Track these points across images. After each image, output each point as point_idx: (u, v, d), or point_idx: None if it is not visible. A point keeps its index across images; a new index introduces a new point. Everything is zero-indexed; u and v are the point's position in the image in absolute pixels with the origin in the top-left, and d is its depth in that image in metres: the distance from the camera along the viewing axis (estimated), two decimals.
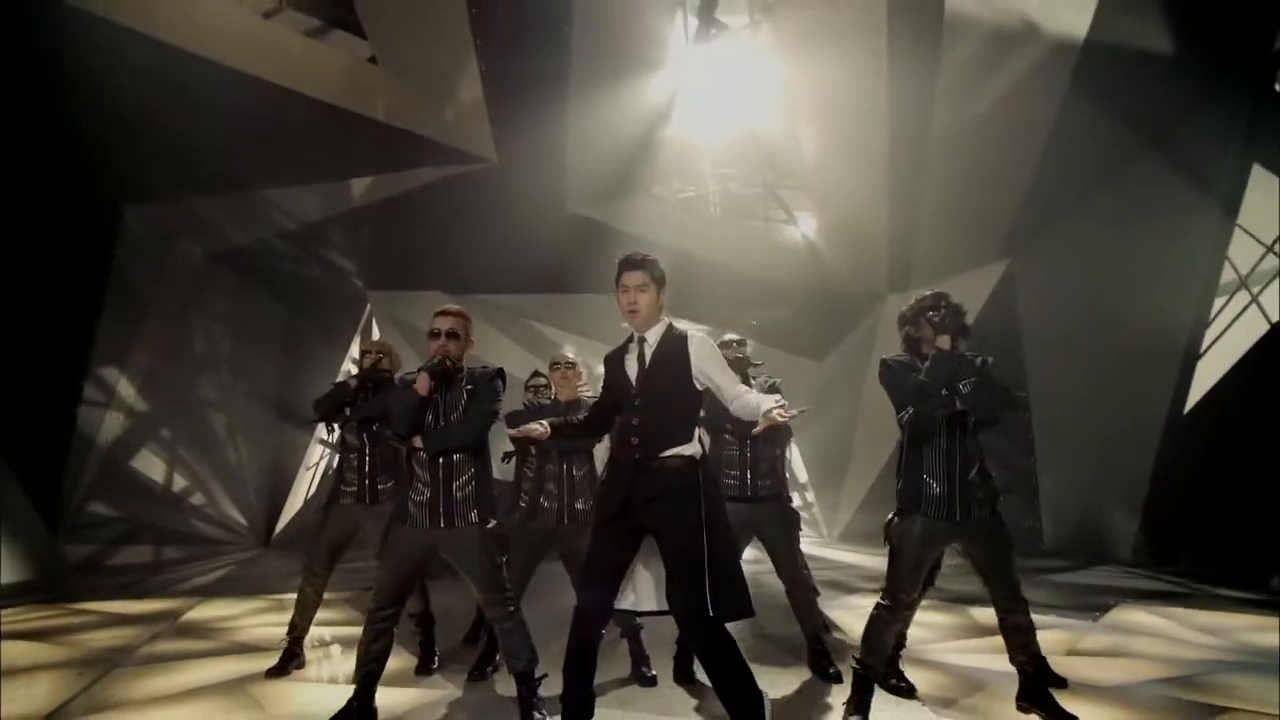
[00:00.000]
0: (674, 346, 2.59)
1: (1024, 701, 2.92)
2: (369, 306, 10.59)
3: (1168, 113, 6.48)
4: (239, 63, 6.06)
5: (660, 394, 2.54)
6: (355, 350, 11.53)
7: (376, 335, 11.34)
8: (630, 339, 2.68)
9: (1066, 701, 2.90)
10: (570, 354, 4.07)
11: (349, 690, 2.93)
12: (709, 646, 2.32)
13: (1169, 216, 6.89)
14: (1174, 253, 6.93)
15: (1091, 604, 5.12)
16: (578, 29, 6.43)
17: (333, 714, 2.87)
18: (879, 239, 8.25)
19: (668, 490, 2.44)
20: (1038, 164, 6.97)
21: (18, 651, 4.13)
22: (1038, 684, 2.90)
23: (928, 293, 3.05)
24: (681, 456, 2.49)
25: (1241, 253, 6.81)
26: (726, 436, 3.74)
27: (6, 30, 5.92)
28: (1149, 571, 6.61)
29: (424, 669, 3.73)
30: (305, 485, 10.94)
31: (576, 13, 6.42)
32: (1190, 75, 6.19)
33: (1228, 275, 6.90)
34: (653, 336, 2.63)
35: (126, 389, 8.26)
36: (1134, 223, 7.09)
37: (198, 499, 9.23)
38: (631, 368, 2.62)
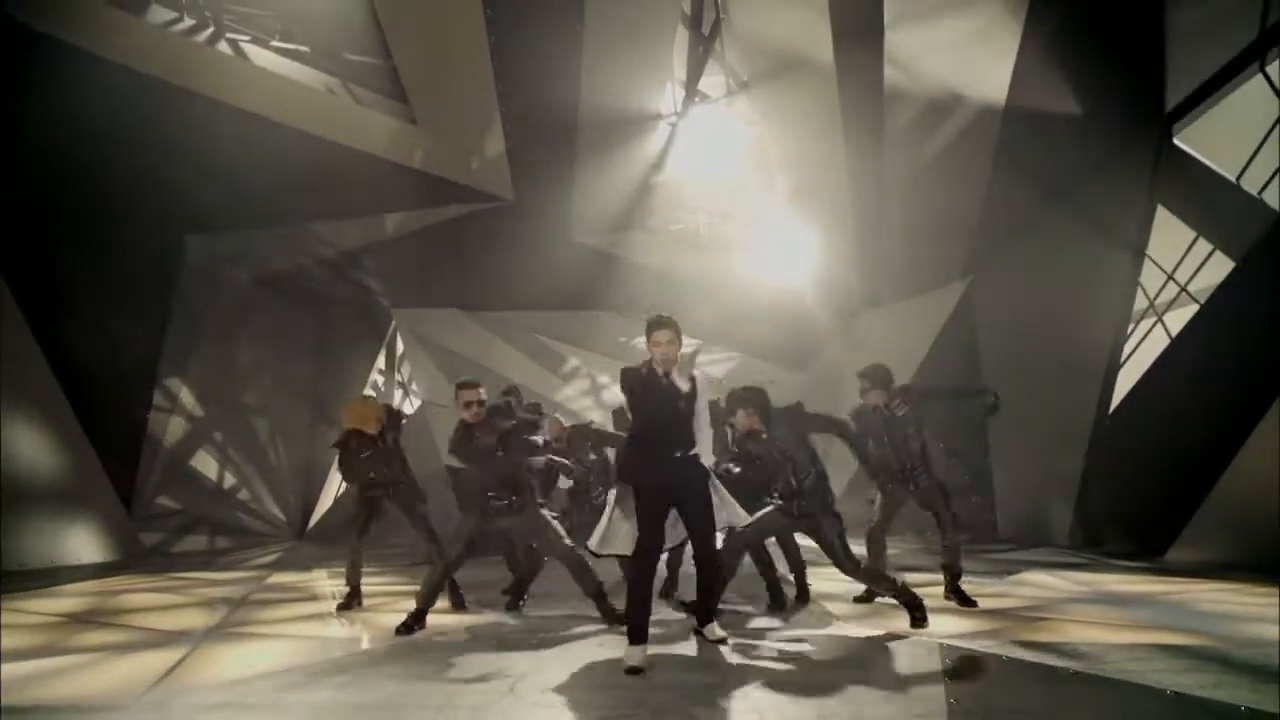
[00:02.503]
0: (691, 384, 3.66)
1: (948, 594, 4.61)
2: (394, 323, 11.69)
3: (1084, 164, 7.62)
4: (302, 124, 7.31)
5: (691, 413, 3.67)
6: (381, 362, 12.63)
7: (401, 349, 12.31)
8: (650, 368, 3.65)
9: (946, 618, 4.03)
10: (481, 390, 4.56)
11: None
12: (712, 566, 3.79)
13: (1092, 250, 7.94)
14: (1098, 281, 7.97)
15: (1008, 571, 6.21)
16: (585, 95, 7.65)
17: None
18: (849, 263, 9.36)
19: (697, 475, 3.68)
20: (981, 205, 8.09)
21: (151, 598, 5.26)
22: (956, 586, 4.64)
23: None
24: (698, 454, 3.71)
25: (1152, 280, 7.91)
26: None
27: (104, 99, 7.11)
28: (1076, 551, 7.64)
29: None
30: (335, 485, 12.02)
31: (584, 83, 7.64)
32: (1101, 133, 7.36)
33: (1141, 300, 7.99)
34: (675, 372, 3.65)
35: (187, 397, 9.41)
36: (1065, 255, 8.15)
37: (244, 495, 10.33)
38: (669, 392, 3.62)
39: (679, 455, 3.62)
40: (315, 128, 7.37)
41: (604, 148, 8.33)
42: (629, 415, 3.95)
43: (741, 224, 10.24)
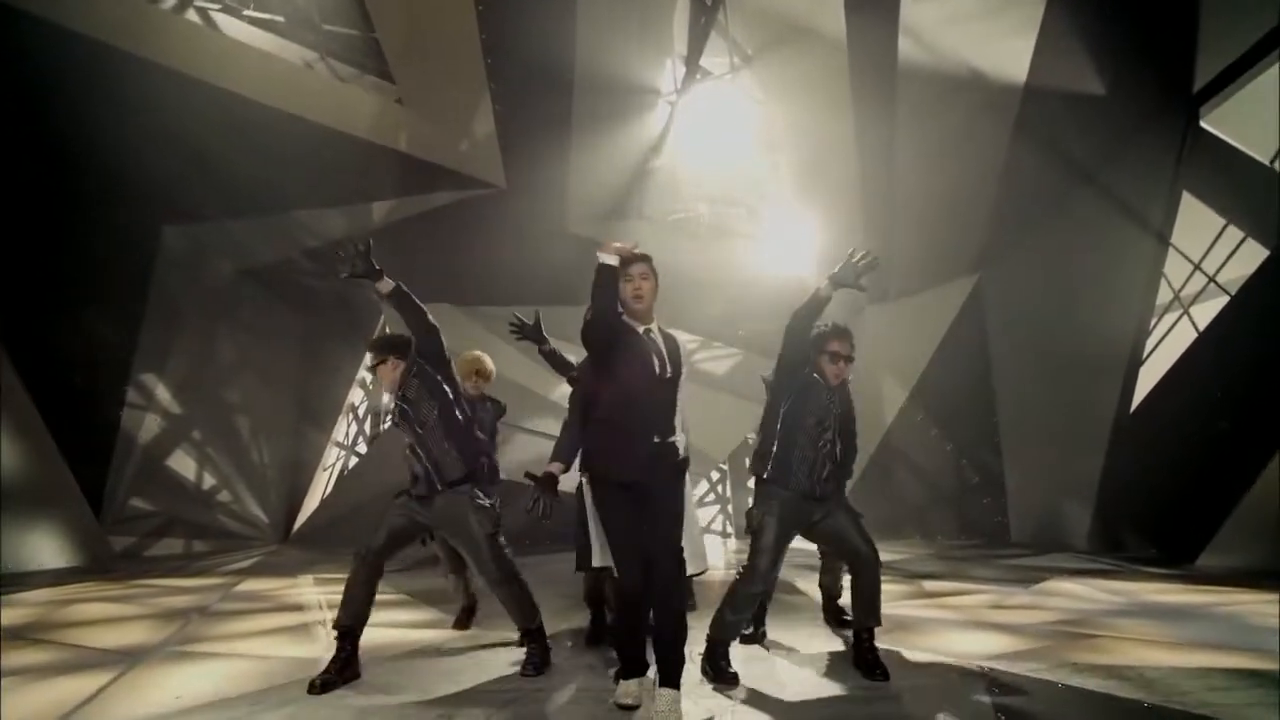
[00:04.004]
0: (673, 344, 2.88)
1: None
2: (383, 318, 11.15)
3: (1107, 148, 7.23)
4: (282, 104, 6.86)
5: (673, 383, 2.83)
6: (368, 359, 12.19)
7: None
8: (620, 321, 2.79)
9: (976, 635, 3.61)
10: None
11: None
12: (673, 599, 2.73)
13: (1112, 239, 7.57)
14: (1118, 271, 7.61)
15: (1031, 579, 5.80)
16: (580, 74, 7.23)
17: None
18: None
19: (672, 469, 2.81)
20: (995, 193, 7.70)
21: (104, 609, 4.84)
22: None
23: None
24: (678, 440, 2.83)
25: (1176, 271, 7.54)
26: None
27: (70, 75, 6.71)
28: (1096, 556, 7.25)
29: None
30: (322, 485, 11.61)
31: (579, 60, 7.22)
32: (1125, 115, 6.97)
33: (1165, 292, 7.61)
34: (654, 329, 2.86)
35: (163, 393, 8.99)
36: (1083, 244, 7.78)
37: (224, 496, 9.90)
38: (648, 354, 2.77)
39: (658, 441, 2.75)
40: (294, 106, 6.93)
41: (600, 129, 7.89)
42: (586, 387, 2.97)
43: (743, 212, 9.84)
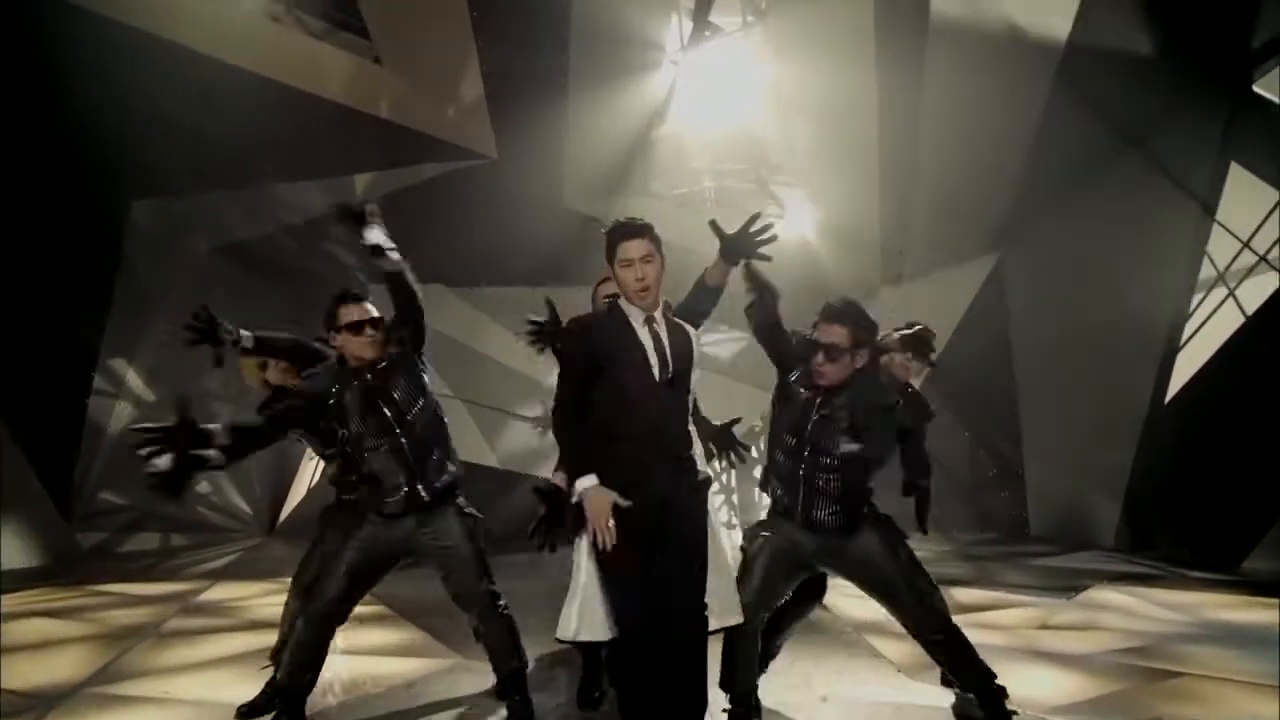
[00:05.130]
0: (683, 335, 2.36)
1: None
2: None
3: (1148, 113, 6.67)
4: (247, 62, 6.26)
5: (682, 387, 2.31)
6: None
7: None
8: (616, 313, 2.33)
9: (1035, 671, 3.12)
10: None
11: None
12: (696, 656, 2.16)
13: (1150, 213, 7.06)
14: (1155, 248, 7.11)
15: (1068, 585, 5.34)
16: (576, 31, 6.64)
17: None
18: (871, 233, 8.44)
19: (694, 493, 2.25)
20: (1024, 162, 7.16)
21: (40, 628, 4.35)
22: None
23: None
24: (691, 447, 2.31)
25: (1220, 249, 7.02)
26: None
27: (17, 29, 6.12)
28: (1128, 556, 6.83)
29: None
30: (309, 474, 11.17)
31: (575, 16, 6.61)
32: (1170, 76, 6.39)
33: (1206, 270, 7.10)
34: (660, 317, 2.33)
35: (135, 380, 8.50)
36: (1117, 219, 7.26)
37: (204, 487, 9.44)
38: (649, 348, 2.26)
39: (682, 457, 2.25)
40: (263, 67, 6.32)
41: (600, 92, 7.29)
42: (570, 386, 2.34)
43: (754, 186, 9.27)
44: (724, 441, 3.21)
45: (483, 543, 2.78)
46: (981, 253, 8.52)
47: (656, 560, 2.15)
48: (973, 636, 3.76)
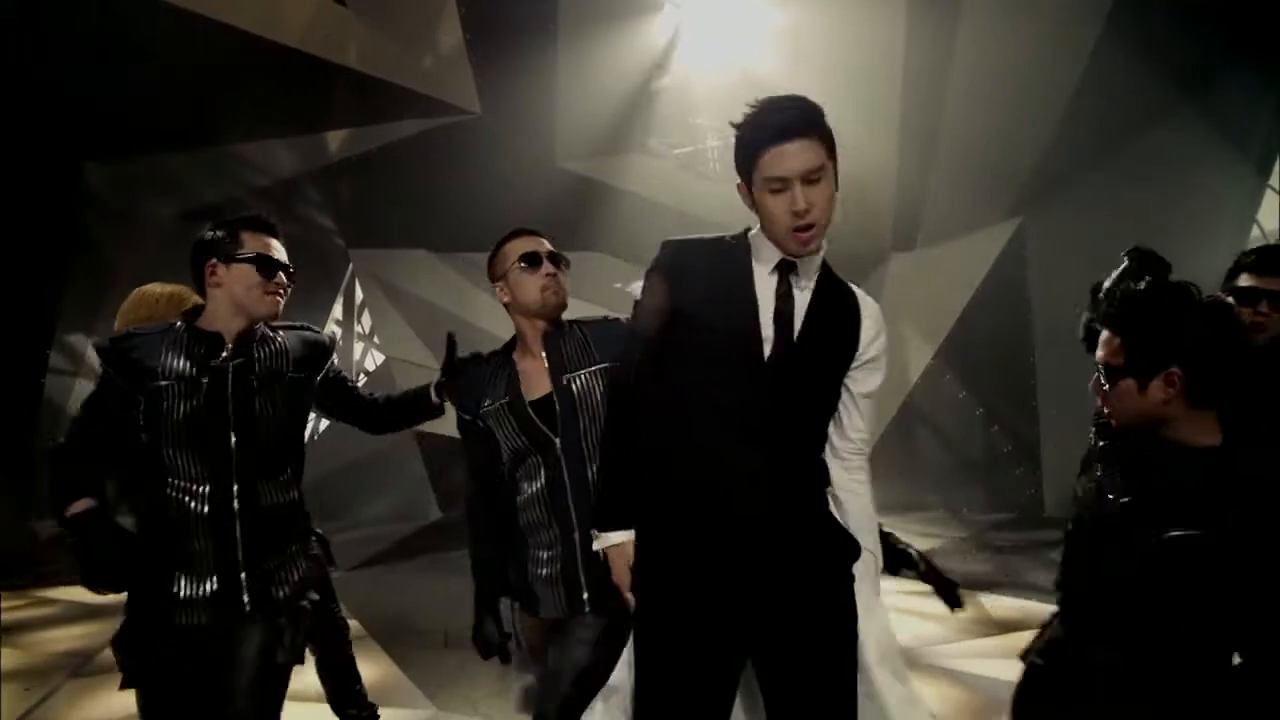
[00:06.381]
0: (839, 300, 1.55)
1: None
2: (350, 266, 10.30)
3: (1205, 63, 6.14)
4: (191, 4, 5.61)
5: (811, 371, 1.49)
6: (338, 311, 11.31)
7: (360, 297, 11.19)
8: (737, 248, 1.57)
9: None
10: None
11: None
12: None
13: (1196, 173, 6.60)
14: (1198, 212, 6.63)
15: None
16: None
17: None
18: (885, 196, 7.99)
19: (820, 550, 1.39)
20: (1060, 119, 6.65)
21: None
22: None
23: None
24: (820, 487, 1.47)
25: (1271, 215, 6.55)
26: None
27: None
28: None
29: None
30: None
31: None
32: (1231, 20, 5.82)
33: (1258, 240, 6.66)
34: (808, 271, 1.54)
35: (94, 356, 7.97)
36: (1158, 179, 6.76)
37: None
38: (766, 311, 1.50)
39: (787, 482, 1.44)
40: (210, 8, 5.65)
41: (593, 39, 6.74)
42: (644, 360, 1.55)
43: None
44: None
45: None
46: (1003, 217, 8.06)
47: (745, 684, 1.34)
48: (1012, 665, 3.28)
